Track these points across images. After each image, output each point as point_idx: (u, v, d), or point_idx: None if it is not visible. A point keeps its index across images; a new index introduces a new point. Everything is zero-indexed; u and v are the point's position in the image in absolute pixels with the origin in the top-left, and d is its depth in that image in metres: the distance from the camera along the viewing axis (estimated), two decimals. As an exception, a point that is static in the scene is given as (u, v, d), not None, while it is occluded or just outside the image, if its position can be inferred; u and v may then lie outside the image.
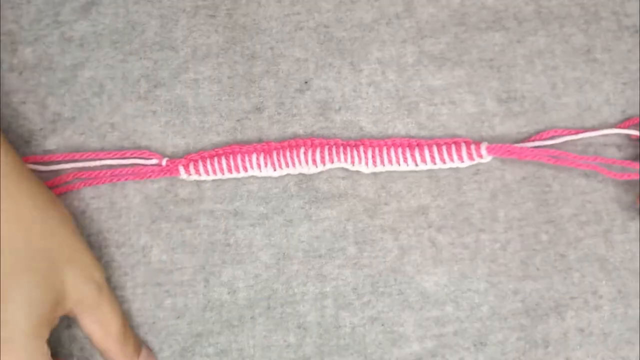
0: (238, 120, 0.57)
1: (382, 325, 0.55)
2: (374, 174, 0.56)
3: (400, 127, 0.57)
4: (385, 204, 0.56)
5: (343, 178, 0.56)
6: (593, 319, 0.55)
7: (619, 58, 0.59)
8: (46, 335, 0.47)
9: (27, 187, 0.48)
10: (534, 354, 0.55)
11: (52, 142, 0.56)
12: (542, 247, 0.56)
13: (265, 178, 0.56)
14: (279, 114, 0.57)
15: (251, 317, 0.55)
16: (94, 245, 0.55)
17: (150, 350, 0.53)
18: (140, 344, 0.52)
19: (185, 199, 0.56)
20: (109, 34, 0.58)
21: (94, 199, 0.56)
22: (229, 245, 0.55)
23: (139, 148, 0.56)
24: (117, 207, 0.56)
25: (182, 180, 0.56)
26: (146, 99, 0.57)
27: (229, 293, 0.55)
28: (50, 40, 0.58)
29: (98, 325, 0.49)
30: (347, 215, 0.56)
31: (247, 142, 0.57)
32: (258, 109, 0.57)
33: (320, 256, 0.55)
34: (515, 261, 0.56)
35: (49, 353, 0.48)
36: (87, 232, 0.55)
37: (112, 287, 0.54)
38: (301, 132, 0.57)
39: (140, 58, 0.58)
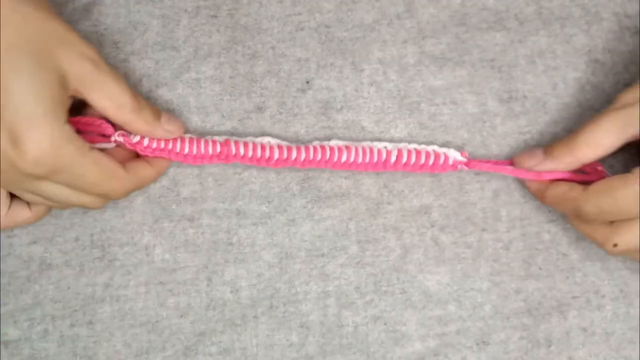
0: (240, 120, 0.57)
1: (385, 324, 0.55)
2: (377, 173, 0.56)
3: (402, 127, 0.57)
4: (388, 203, 0.56)
5: (345, 177, 0.56)
6: (595, 318, 0.55)
7: (620, 59, 0.59)
8: (63, 116, 0.48)
9: None
10: (536, 353, 0.55)
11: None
12: (545, 246, 0.56)
13: (267, 177, 0.56)
14: (281, 113, 0.57)
15: (254, 316, 0.55)
16: (97, 244, 0.55)
17: (170, 113, 0.55)
18: (158, 111, 0.54)
19: (188, 198, 0.56)
20: (110, 34, 0.58)
21: (96, 198, 0.56)
22: (231, 244, 0.55)
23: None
24: (119, 206, 0.56)
25: (185, 179, 0.56)
26: (148, 98, 0.57)
27: (231, 292, 0.55)
28: (51, 40, 0.58)
29: (107, 100, 0.50)
30: (349, 214, 0.56)
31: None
32: (260, 109, 0.57)
33: (322, 255, 0.55)
34: (518, 260, 0.56)
35: (73, 131, 0.49)
36: (89, 231, 0.55)
37: (115, 286, 0.55)
38: (303, 131, 0.57)
39: (142, 58, 0.58)
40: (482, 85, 0.58)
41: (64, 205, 0.53)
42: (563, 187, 0.53)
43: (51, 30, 0.48)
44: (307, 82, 0.58)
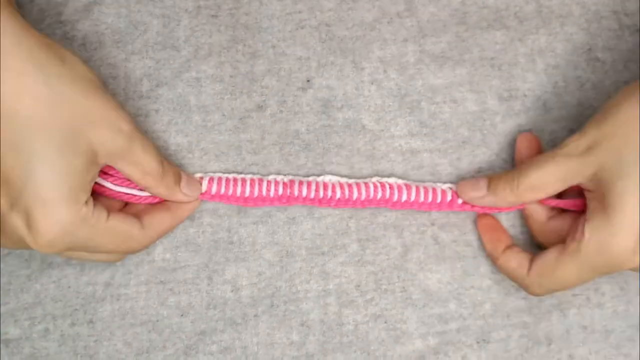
0: (240, 119, 0.57)
1: (385, 322, 0.55)
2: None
3: (402, 125, 0.57)
4: (388, 201, 0.56)
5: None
6: (595, 316, 0.55)
7: (619, 57, 0.59)
8: (83, 198, 0.47)
9: (35, 56, 0.46)
10: (536, 351, 0.55)
11: (54, 141, 0.56)
12: (545, 244, 0.56)
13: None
14: (281, 112, 0.57)
15: (254, 315, 0.55)
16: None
17: (190, 175, 0.55)
18: (179, 173, 0.54)
19: (188, 197, 0.56)
20: (111, 34, 0.58)
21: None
22: (232, 243, 0.55)
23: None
24: (120, 205, 0.56)
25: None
26: (149, 98, 0.57)
27: (232, 291, 0.55)
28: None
29: (134, 167, 0.50)
30: (349, 212, 0.56)
31: (249, 141, 0.57)
32: (260, 108, 0.57)
33: (323, 254, 0.56)
34: (518, 258, 0.56)
35: (91, 208, 0.48)
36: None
37: (116, 285, 0.55)
38: (303, 129, 0.57)
39: (143, 57, 0.58)
40: (482, 83, 0.58)
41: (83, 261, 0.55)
42: (512, 264, 0.53)
43: (87, 109, 0.47)
44: (308, 81, 0.58)
